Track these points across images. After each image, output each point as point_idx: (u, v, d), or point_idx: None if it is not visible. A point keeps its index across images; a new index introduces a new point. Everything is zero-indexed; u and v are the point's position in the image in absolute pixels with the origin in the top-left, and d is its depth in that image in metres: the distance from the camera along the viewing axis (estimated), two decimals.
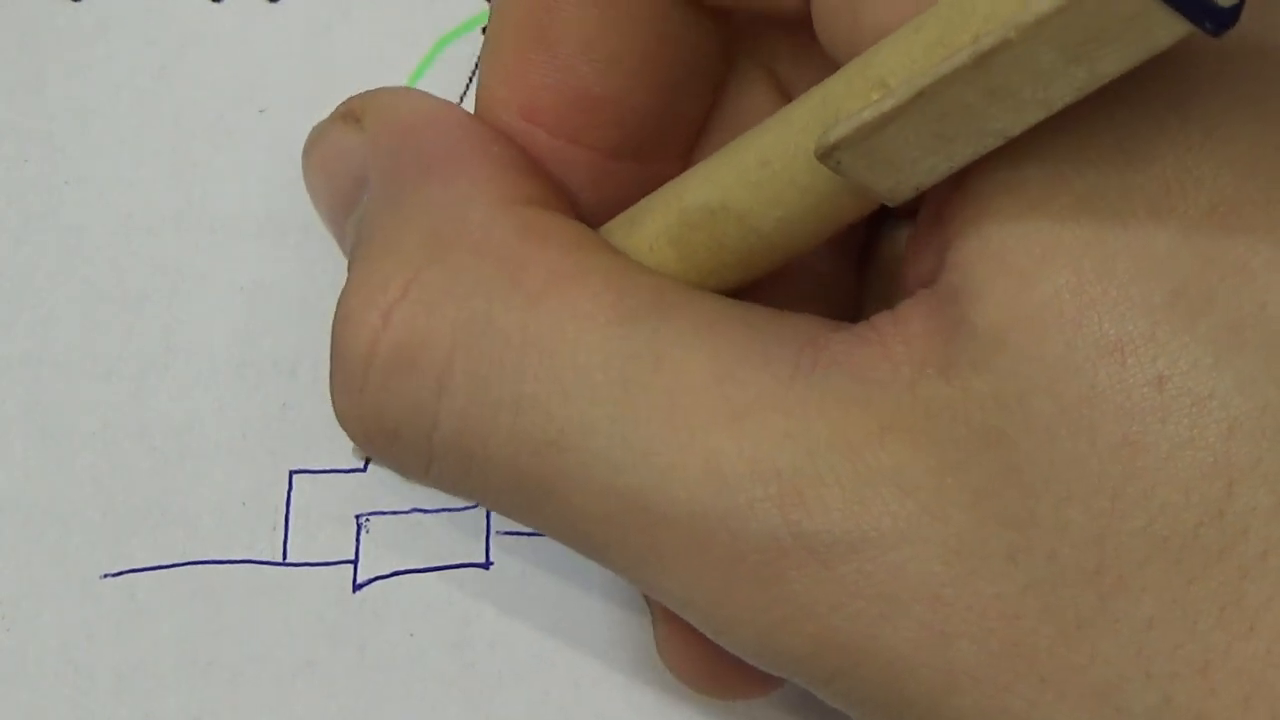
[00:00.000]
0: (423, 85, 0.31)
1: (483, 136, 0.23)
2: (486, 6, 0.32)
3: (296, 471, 0.29)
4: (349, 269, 0.23)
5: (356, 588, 0.28)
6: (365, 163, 0.24)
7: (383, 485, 0.29)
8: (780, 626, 0.19)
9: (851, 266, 0.24)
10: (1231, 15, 0.16)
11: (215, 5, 0.32)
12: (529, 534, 0.28)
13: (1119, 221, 0.18)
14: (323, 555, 0.28)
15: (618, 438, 0.19)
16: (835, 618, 0.18)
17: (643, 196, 0.23)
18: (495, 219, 0.21)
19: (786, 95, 0.24)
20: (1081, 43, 0.16)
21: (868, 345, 0.19)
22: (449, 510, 0.28)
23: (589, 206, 0.23)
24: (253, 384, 0.29)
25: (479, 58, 0.24)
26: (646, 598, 0.25)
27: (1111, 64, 0.17)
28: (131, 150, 0.31)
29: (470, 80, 0.31)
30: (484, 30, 0.31)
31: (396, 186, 0.23)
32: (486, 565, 0.28)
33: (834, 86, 0.19)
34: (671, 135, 0.24)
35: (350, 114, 0.24)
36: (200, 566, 0.28)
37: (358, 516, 0.28)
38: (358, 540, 0.28)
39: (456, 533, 0.28)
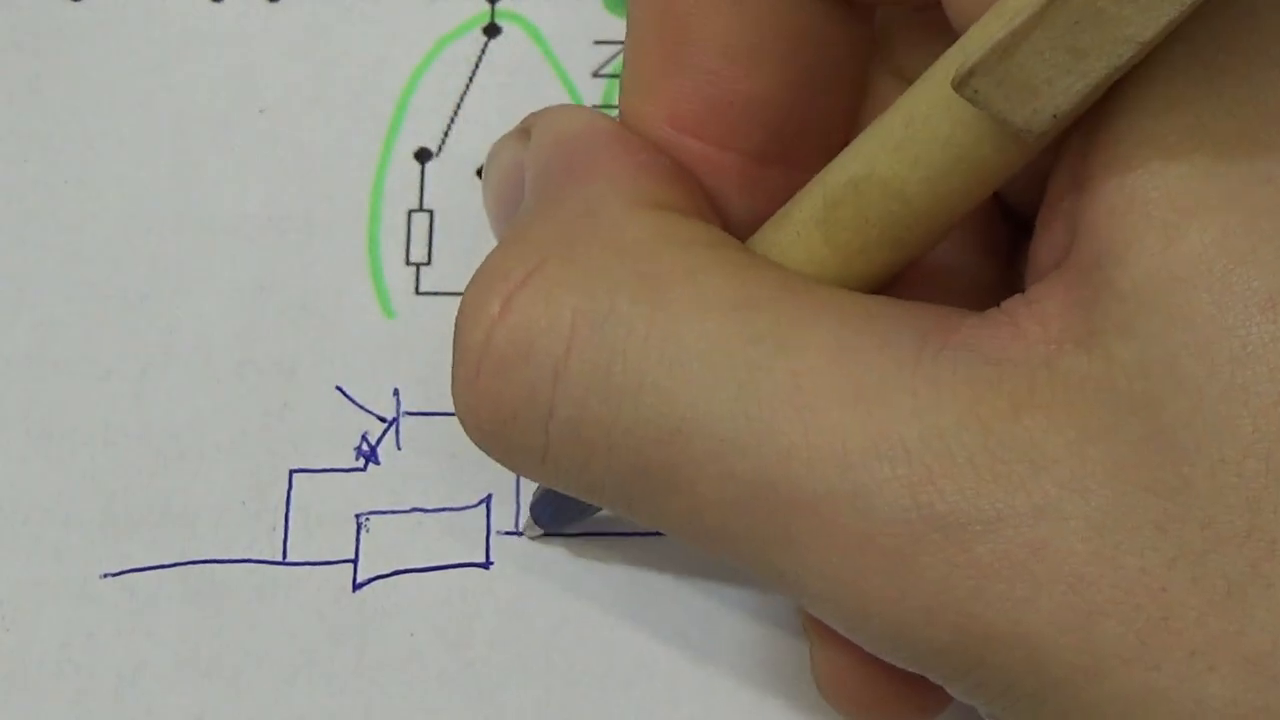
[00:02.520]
0: (423, 85, 0.31)
1: (627, 143, 0.23)
2: (487, 6, 0.32)
3: (296, 471, 0.29)
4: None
5: (356, 588, 0.28)
6: (525, 172, 0.24)
7: (383, 485, 0.29)
8: (915, 614, 0.18)
9: (1000, 270, 0.24)
10: None
11: (215, 5, 0.32)
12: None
13: (1263, 173, 0.17)
14: (323, 555, 0.28)
15: (742, 420, 0.19)
16: (973, 603, 0.18)
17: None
18: (627, 218, 0.21)
19: None
20: None
21: (999, 327, 0.19)
22: (449, 510, 0.28)
23: (741, 213, 0.23)
24: (253, 384, 0.29)
25: (621, 74, 0.24)
26: (805, 624, 0.24)
27: None
28: (131, 150, 0.31)
29: (470, 80, 0.31)
30: (484, 30, 0.31)
31: (542, 189, 0.23)
32: (486, 565, 0.28)
33: (971, 35, 0.19)
34: (817, 137, 0.24)
35: (523, 129, 0.24)
36: (200, 566, 0.28)
37: (358, 516, 0.28)
38: (358, 540, 0.28)
39: (456, 533, 0.28)
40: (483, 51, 0.31)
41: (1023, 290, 0.20)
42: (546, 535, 0.28)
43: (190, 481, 0.29)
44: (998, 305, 0.19)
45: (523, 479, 0.28)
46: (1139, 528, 0.17)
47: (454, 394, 0.22)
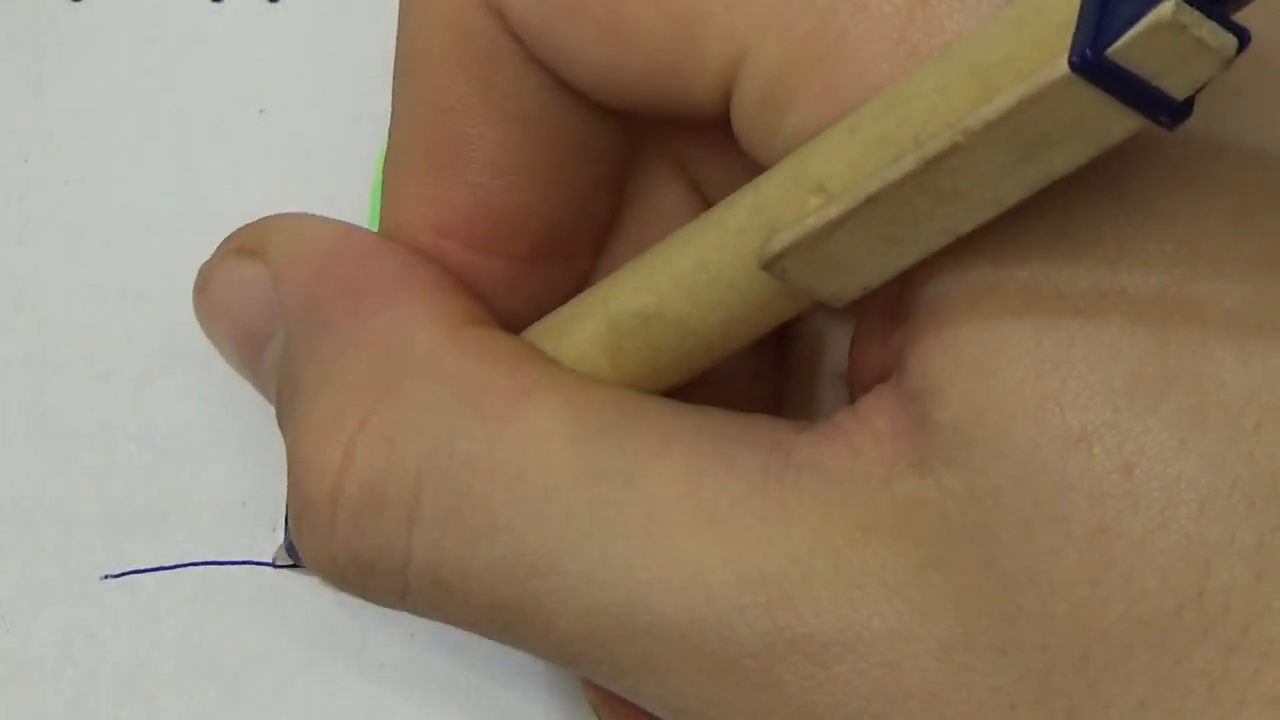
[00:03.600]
0: None
1: (407, 260, 0.22)
2: None
3: None
4: (282, 415, 0.23)
5: None
6: (273, 299, 0.23)
7: None
8: None
9: (770, 351, 0.24)
10: (1186, 108, 0.16)
11: (215, 5, 0.32)
12: None
13: (1070, 308, 0.18)
14: None
15: (597, 556, 0.19)
16: (834, 717, 0.18)
17: (557, 296, 0.23)
18: (441, 344, 0.21)
19: (695, 187, 0.24)
20: (1032, 142, 0.16)
21: (836, 445, 0.19)
22: None
23: (505, 312, 0.23)
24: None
25: (382, 175, 0.23)
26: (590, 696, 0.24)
27: (1063, 161, 0.16)
28: (131, 150, 0.31)
29: None
30: None
31: (324, 321, 0.22)
32: None
33: (768, 190, 0.19)
34: (584, 235, 0.24)
35: (244, 249, 0.24)
36: (200, 566, 0.28)
37: None
38: None
39: None
40: None
41: (804, 379, 0.21)
42: (296, 567, 0.28)
43: (190, 481, 0.29)
44: (829, 418, 0.20)
45: None
46: (984, 650, 0.18)
47: (302, 545, 0.22)
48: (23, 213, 0.30)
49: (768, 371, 0.24)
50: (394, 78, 0.23)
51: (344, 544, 0.21)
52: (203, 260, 0.30)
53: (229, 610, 0.28)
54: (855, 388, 0.21)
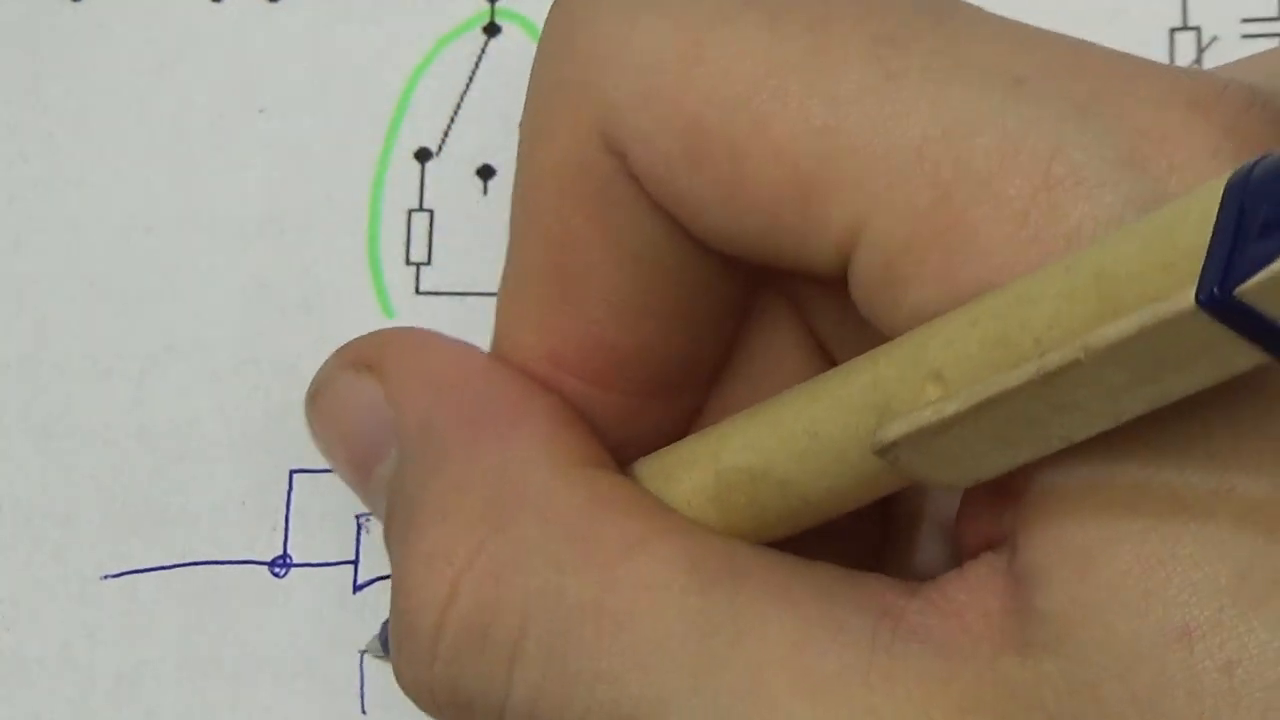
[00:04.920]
0: (423, 85, 0.31)
1: (525, 390, 0.22)
2: (487, 6, 0.32)
3: (296, 471, 0.29)
4: (390, 537, 0.22)
5: (356, 588, 0.28)
6: (388, 418, 0.23)
7: None
8: None
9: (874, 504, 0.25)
10: None
11: (215, 5, 0.32)
12: None
13: (1178, 505, 0.17)
14: (323, 555, 0.28)
15: (699, 712, 0.19)
16: None
17: (668, 428, 0.23)
18: (558, 484, 0.21)
19: (811, 331, 0.24)
20: (1153, 365, 0.16)
21: (945, 618, 0.19)
22: None
23: (613, 445, 0.23)
24: (253, 384, 0.29)
25: (498, 297, 0.23)
26: None
27: (1184, 385, 0.16)
28: (131, 150, 0.31)
29: (470, 80, 0.31)
30: (484, 30, 0.31)
31: (438, 445, 0.22)
32: None
33: (885, 370, 0.19)
34: (699, 371, 0.23)
35: (360, 361, 0.24)
36: (200, 566, 0.28)
37: (358, 516, 0.28)
38: (358, 540, 0.28)
39: None
40: (483, 51, 0.31)
41: (908, 534, 0.21)
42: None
43: (190, 481, 0.29)
44: (934, 580, 0.20)
45: None
46: None
47: (402, 675, 0.22)
48: (23, 213, 0.30)
49: (871, 515, 0.24)
50: (513, 202, 0.23)
51: (443, 678, 0.21)
52: (203, 260, 0.30)
53: (229, 610, 0.28)
54: (963, 549, 0.20)
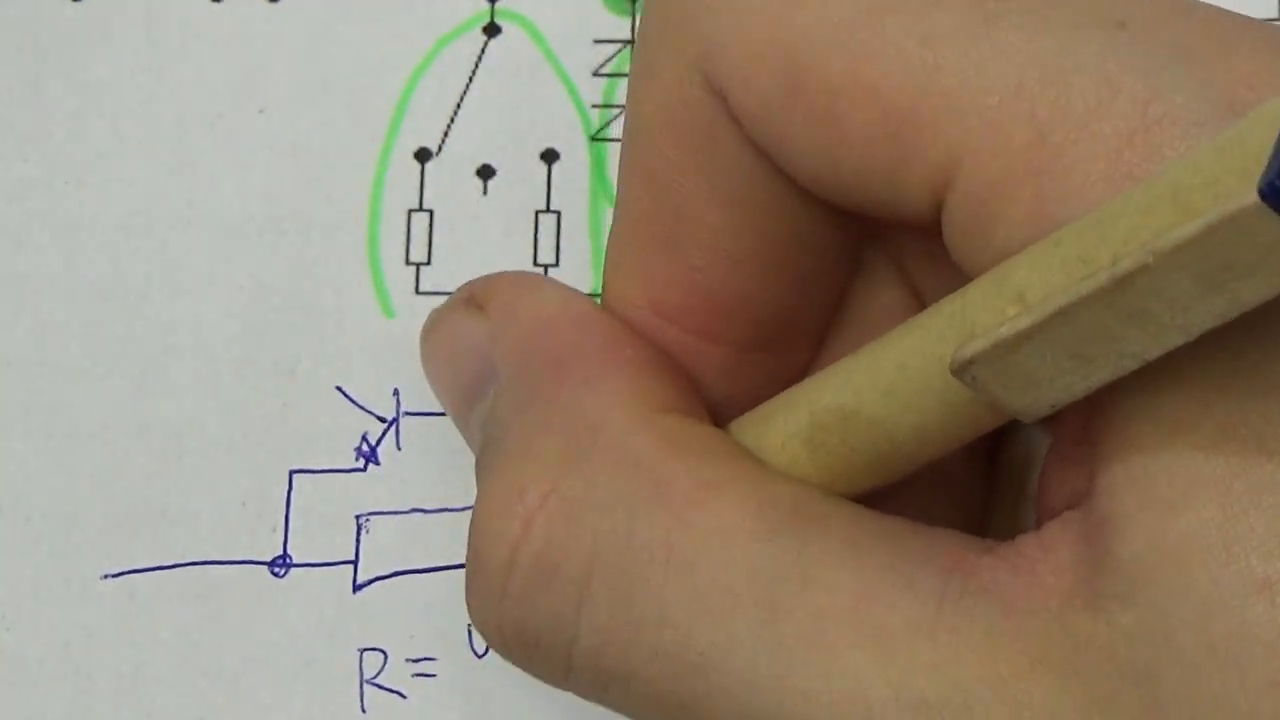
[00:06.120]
0: (422, 85, 0.31)
1: (617, 337, 0.22)
2: (487, 6, 0.32)
3: (296, 471, 0.29)
4: (479, 470, 0.23)
5: (356, 588, 0.28)
6: (491, 355, 0.23)
7: (383, 485, 0.29)
8: None
9: (979, 466, 0.24)
10: None
11: (215, 5, 0.32)
12: None
13: (1264, 452, 0.17)
14: (323, 556, 0.28)
15: (761, 658, 0.19)
16: None
17: (773, 388, 0.22)
18: (634, 428, 0.21)
19: (915, 290, 0.24)
20: (1220, 269, 0.16)
21: (1017, 574, 0.19)
22: (449, 510, 0.28)
23: (719, 400, 0.23)
24: (253, 384, 0.29)
25: (607, 248, 0.23)
26: None
27: (1252, 292, 0.16)
28: (131, 150, 0.31)
29: (470, 80, 0.31)
30: (484, 30, 0.31)
31: (529, 386, 0.22)
32: None
33: (971, 297, 0.19)
34: (802, 328, 0.23)
35: (473, 300, 0.24)
36: (200, 567, 0.28)
37: (358, 516, 0.28)
38: (358, 540, 0.28)
39: (456, 533, 0.28)
40: (483, 51, 0.31)
41: (1009, 499, 0.21)
42: None
43: (190, 481, 0.29)
44: (1011, 541, 0.19)
45: None
46: None
47: (473, 609, 0.22)
48: (23, 213, 0.30)
49: (974, 492, 0.24)
50: (621, 149, 0.23)
51: (512, 615, 0.21)
52: (203, 260, 0.30)
53: (229, 610, 0.28)
54: (1043, 512, 0.20)
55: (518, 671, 0.27)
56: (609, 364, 0.22)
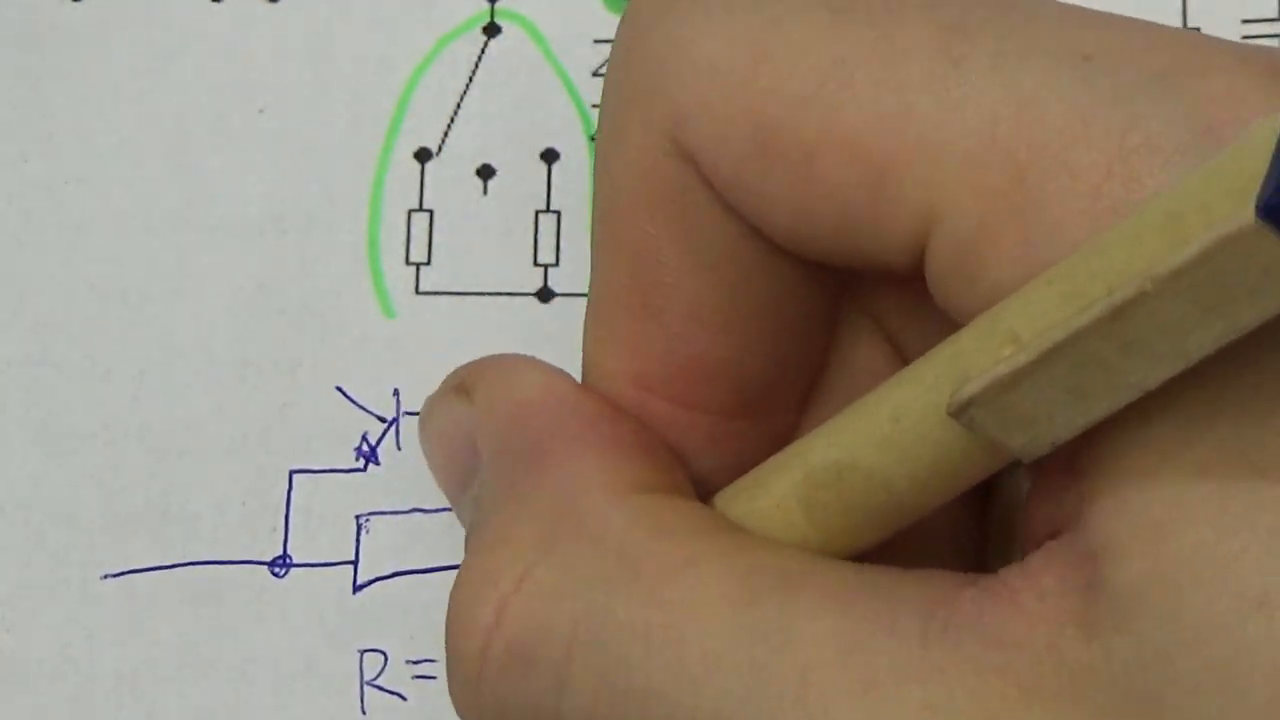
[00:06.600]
0: (423, 85, 0.31)
1: (595, 417, 0.22)
2: (487, 6, 0.32)
3: (296, 471, 0.29)
4: (464, 557, 0.23)
5: (356, 588, 0.28)
6: (477, 441, 0.23)
7: (383, 485, 0.29)
8: None
9: (974, 509, 0.24)
10: None
11: (215, 5, 0.32)
12: None
13: (1257, 474, 0.17)
14: (323, 555, 0.28)
15: (750, 718, 0.19)
16: None
17: (758, 455, 0.22)
18: (610, 508, 0.21)
19: (896, 346, 0.24)
20: (1219, 292, 0.16)
21: (1000, 603, 0.19)
22: (449, 510, 0.28)
23: (705, 469, 0.23)
24: (253, 384, 0.29)
25: (584, 323, 0.23)
26: None
27: (1252, 314, 0.16)
28: (131, 150, 0.31)
29: (470, 80, 0.31)
30: (484, 30, 0.31)
31: (508, 472, 0.22)
32: None
33: (964, 342, 0.19)
34: (785, 391, 0.23)
35: (461, 387, 0.24)
36: (200, 567, 0.28)
37: (358, 516, 0.28)
38: (358, 540, 0.28)
39: (456, 533, 0.28)
40: (483, 51, 0.31)
41: (1004, 538, 0.21)
42: None
43: (190, 481, 0.29)
44: (995, 573, 0.19)
45: None
46: None
47: (454, 696, 0.22)
48: (23, 213, 0.30)
49: (969, 535, 0.24)
50: (593, 220, 0.23)
51: (492, 702, 0.21)
52: (203, 260, 0.30)
53: (229, 610, 0.28)
54: (1028, 543, 0.20)
55: None
56: (586, 445, 0.22)
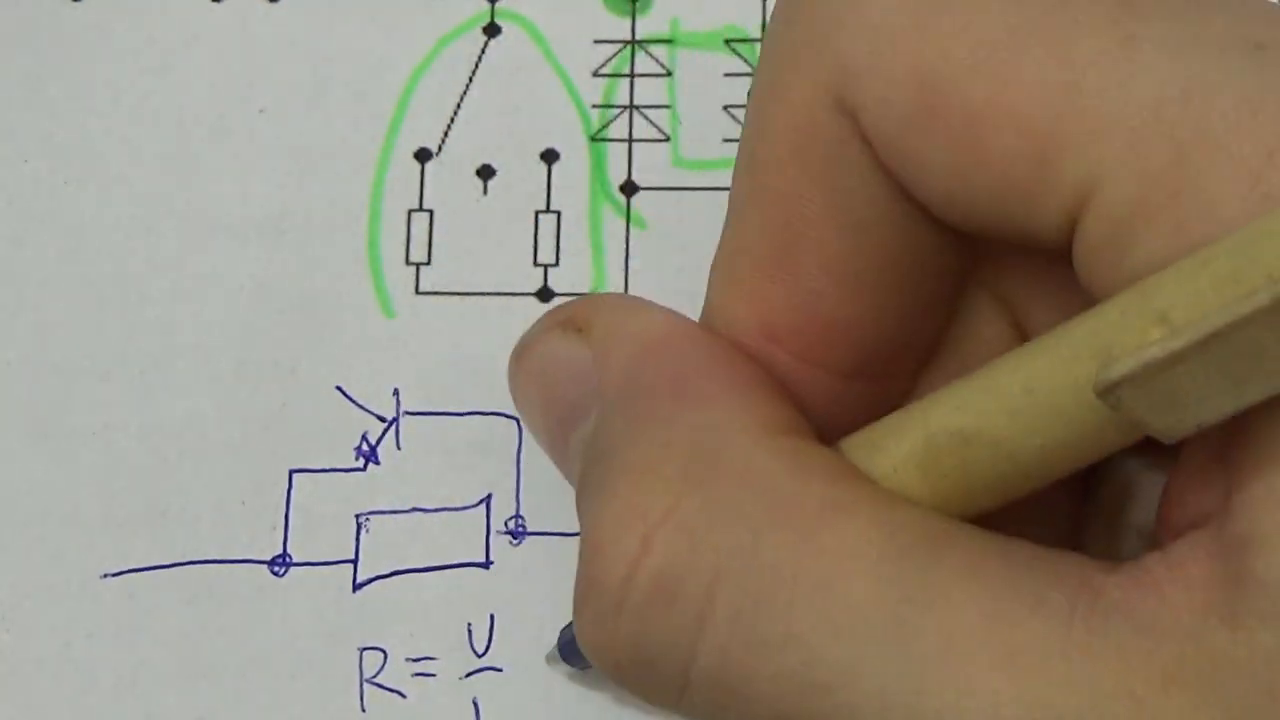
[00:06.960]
0: (423, 85, 0.31)
1: (729, 358, 0.22)
2: (487, 6, 0.32)
3: (296, 471, 0.29)
4: (584, 492, 0.22)
5: (356, 587, 0.28)
6: (592, 379, 0.23)
7: (383, 485, 0.29)
8: None
9: (1075, 491, 0.24)
10: None
11: (215, 5, 0.32)
12: (529, 534, 0.28)
13: None
14: (323, 555, 0.28)
15: (891, 679, 0.19)
16: None
17: (868, 416, 0.22)
18: (756, 448, 0.21)
19: (1015, 319, 0.24)
20: None
21: (1145, 593, 0.19)
22: (449, 510, 0.28)
23: (822, 427, 0.22)
24: (253, 384, 0.29)
25: (712, 266, 0.23)
26: None
27: None
28: (131, 150, 0.31)
29: (470, 80, 0.31)
30: (484, 30, 0.31)
31: (642, 407, 0.22)
32: (486, 565, 0.28)
33: (1108, 316, 0.19)
34: (903, 357, 0.23)
35: (570, 323, 0.24)
36: (200, 566, 0.28)
37: (358, 516, 0.28)
38: (357, 540, 0.28)
39: (456, 533, 0.28)
40: (483, 51, 0.31)
41: (1107, 519, 0.21)
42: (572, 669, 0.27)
43: (190, 481, 0.29)
44: (1136, 560, 0.19)
45: (523, 477, 0.28)
46: None
47: (583, 628, 0.21)
48: (23, 213, 0.30)
49: (1067, 519, 0.24)
50: (736, 166, 0.23)
51: (628, 634, 0.21)
52: (203, 260, 0.30)
53: (229, 609, 0.28)
54: (1167, 531, 0.20)
55: (517, 671, 0.27)
56: (727, 384, 0.22)
